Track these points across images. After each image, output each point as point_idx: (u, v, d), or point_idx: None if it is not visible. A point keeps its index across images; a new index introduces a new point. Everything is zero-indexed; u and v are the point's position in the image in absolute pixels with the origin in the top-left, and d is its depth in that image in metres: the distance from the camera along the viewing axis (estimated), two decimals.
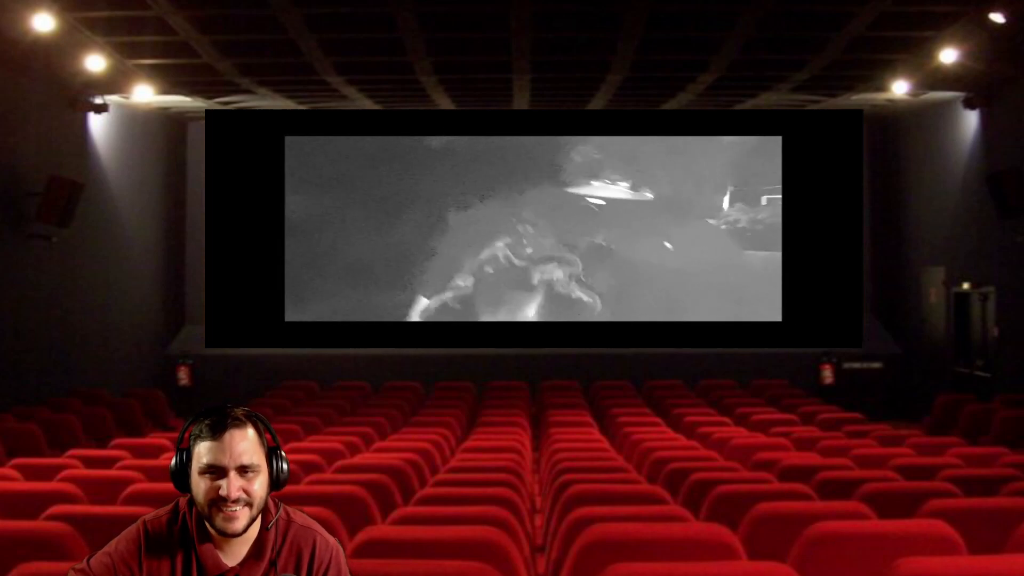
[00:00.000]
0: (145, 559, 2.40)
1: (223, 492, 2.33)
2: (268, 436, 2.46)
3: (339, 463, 6.78)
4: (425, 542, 4.02)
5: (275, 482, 2.44)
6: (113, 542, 2.44)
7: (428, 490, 5.70)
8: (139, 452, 7.72)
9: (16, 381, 10.73)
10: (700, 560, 3.91)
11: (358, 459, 7.20)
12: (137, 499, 5.25)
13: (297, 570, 2.43)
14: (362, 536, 4.10)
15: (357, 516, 4.97)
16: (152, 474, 6.13)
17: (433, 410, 11.00)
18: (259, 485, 2.38)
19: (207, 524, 2.39)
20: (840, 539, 4.13)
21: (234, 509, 2.34)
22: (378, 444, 8.33)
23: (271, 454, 2.45)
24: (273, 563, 2.42)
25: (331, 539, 2.50)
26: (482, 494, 5.33)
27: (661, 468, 6.58)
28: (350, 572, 2.52)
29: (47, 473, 6.33)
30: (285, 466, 2.47)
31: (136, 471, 6.19)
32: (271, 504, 2.46)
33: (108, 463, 6.91)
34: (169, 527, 2.43)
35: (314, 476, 6.25)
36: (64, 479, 5.96)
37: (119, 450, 7.70)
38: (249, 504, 2.36)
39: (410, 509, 4.98)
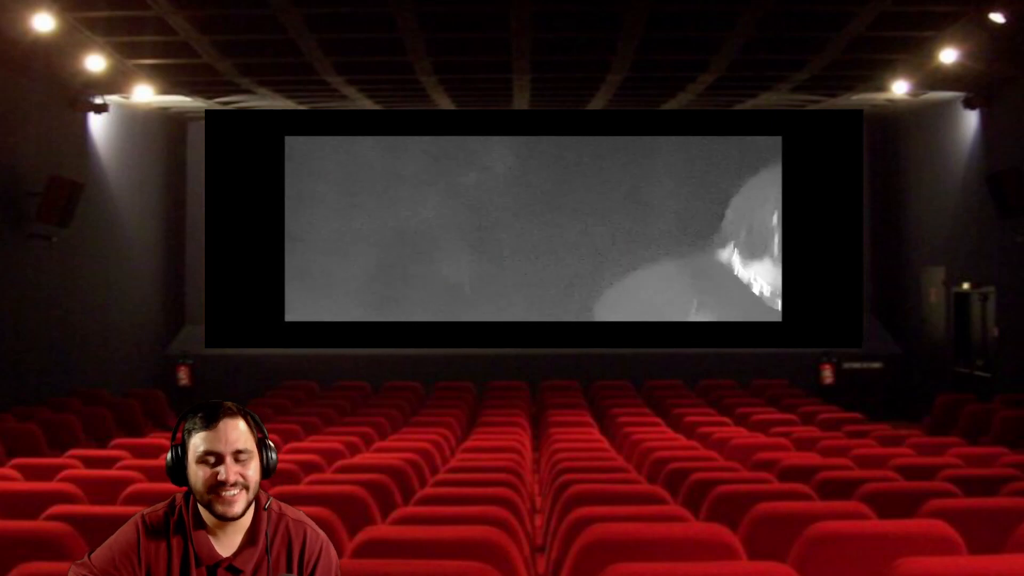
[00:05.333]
0: (143, 550, 2.49)
1: (221, 477, 2.45)
2: (256, 427, 2.60)
3: (339, 463, 6.77)
4: (425, 542, 4.02)
5: (265, 469, 2.57)
6: (112, 538, 2.53)
7: (428, 490, 5.70)
8: (139, 452, 7.72)
9: (16, 381, 10.73)
10: (700, 560, 3.91)
11: (358, 459, 7.20)
12: (137, 499, 5.25)
13: (288, 562, 2.53)
14: (362, 536, 4.10)
15: (357, 516, 4.97)
16: (152, 474, 6.13)
17: (433, 410, 10.99)
18: (253, 470, 2.51)
19: (206, 513, 2.50)
20: (840, 539, 4.13)
21: (233, 493, 2.46)
22: (378, 444, 8.33)
23: (260, 444, 2.57)
24: (267, 549, 2.52)
25: (320, 532, 2.61)
26: (482, 494, 5.32)
27: (661, 468, 6.58)
28: (339, 566, 2.62)
29: (47, 473, 6.33)
30: (274, 455, 2.61)
31: (136, 471, 6.19)
32: (262, 493, 2.58)
33: (108, 463, 6.91)
34: (166, 519, 2.53)
35: (314, 476, 6.24)
36: (64, 479, 5.96)
37: (119, 450, 7.70)
38: (245, 488, 2.48)
39: (410, 509, 4.98)
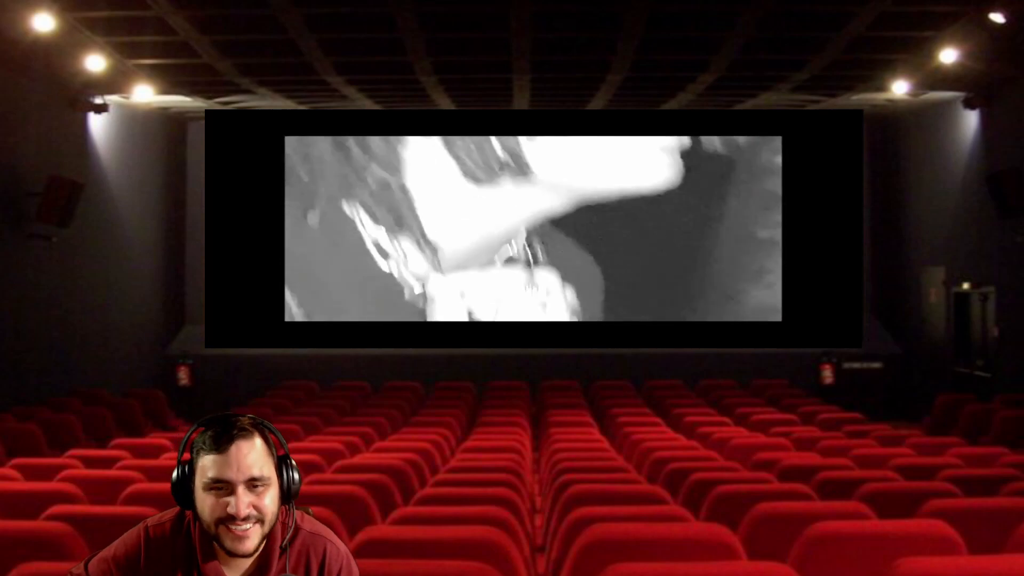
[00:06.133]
0: (144, 571, 2.27)
1: (231, 510, 2.17)
2: (277, 444, 2.31)
3: (339, 463, 6.78)
4: (425, 542, 4.02)
5: (286, 494, 2.28)
6: (112, 547, 2.33)
7: (428, 490, 5.70)
8: (139, 452, 7.72)
9: (16, 381, 10.73)
10: (700, 560, 3.91)
11: (358, 459, 7.20)
12: (137, 499, 5.25)
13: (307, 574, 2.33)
14: (362, 536, 4.10)
15: (357, 516, 4.97)
16: (152, 474, 6.13)
17: (433, 410, 10.99)
18: (270, 499, 2.22)
19: (215, 540, 2.27)
20: (840, 539, 4.13)
21: (244, 528, 2.18)
22: (378, 444, 8.32)
23: (280, 464, 2.29)
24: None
25: (342, 546, 2.36)
26: (482, 494, 5.32)
27: (661, 468, 6.58)
28: None
29: (47, 473, 6.33)
30: (296, 476, 2.30)
31: (136, 471, 6.19)
32: (282, 514, 2.33)
33: (108, 463, 6.91)
34: (173, 536, 2.30)
35: (314, 476, 6.24)
36: (64, 479, 5.96)
37: (119, 450, 7.70)
38: (260, 521, 2.20)
39: (410, 509, 4.98)
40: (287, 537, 2.28)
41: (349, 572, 2.35)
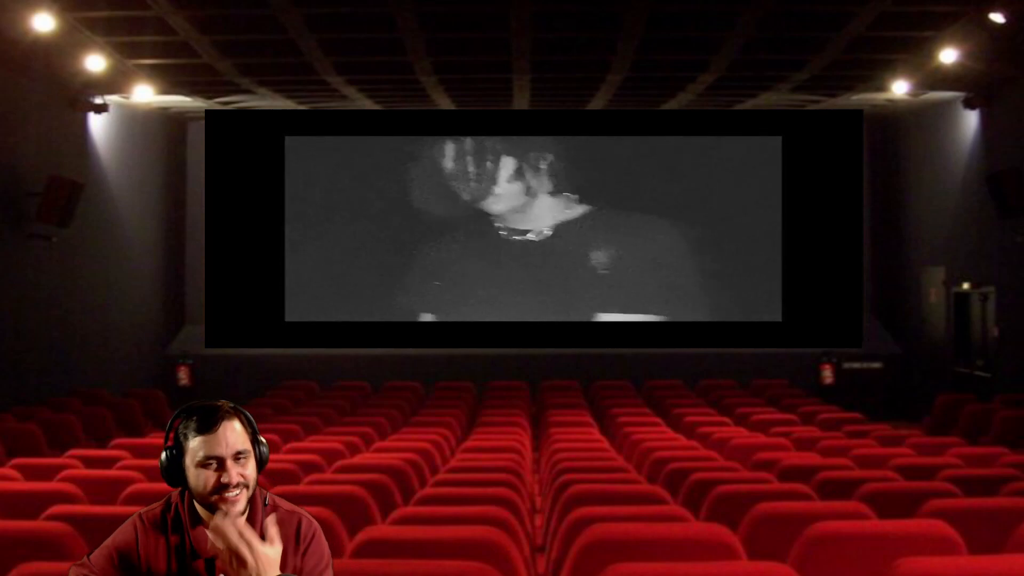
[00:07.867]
0: (142, 546, 2.57)
1: (225, 479, 2.51)
2: (248, 424, 2.65)
3: (339, 463, 6.78)
4: (425, 542, 4.02)
5: (259, 462, 2.62)
6: (110, 537, 2.61)
7: (428, 490, 5.70)
8: (139, 452, 7.72)
9: (16, 381, 10.73)
10: (700, 560, 3.91)
11: (358, 459, 7.20)
12: (137, 499, 5.24)
13: (284, 544, 2.55)
14: (362, 536, 4.10)
15: (357, 516, 4.97)
16: (152, 474, 6.12)
17: (433, 410, 10.99)
18: (251, 468, 2.57)
19: (203, 509, 2.55)
20: (840, 539, 4.13)
21: (235, 493, 2.52)
22: (378, 444, 8.33)
23: (253, 440, 2.63)
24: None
25: (315, 523, 2.67)
26: (482, 494, 5.32)
27: (661, 468, 6.58)
28: (330, 559, 2.67)
29: (47, 473, 6.33)
30: (265, 449, 2.66)
31: (136, 471, 6.20)
32: (258, 488, 2.65)
33: (108, 463, 6.92)
34: (163, 516, 2.60)
35: (314, 476, 6.25)
36: (64, 479, 5.96)
37: (119, 450, 7.70)
38: (246, 486, 2.55)
39: (410, 509, 4.98)
40: (266, 497, 2.64)
41: (319, 542, 2.65)
